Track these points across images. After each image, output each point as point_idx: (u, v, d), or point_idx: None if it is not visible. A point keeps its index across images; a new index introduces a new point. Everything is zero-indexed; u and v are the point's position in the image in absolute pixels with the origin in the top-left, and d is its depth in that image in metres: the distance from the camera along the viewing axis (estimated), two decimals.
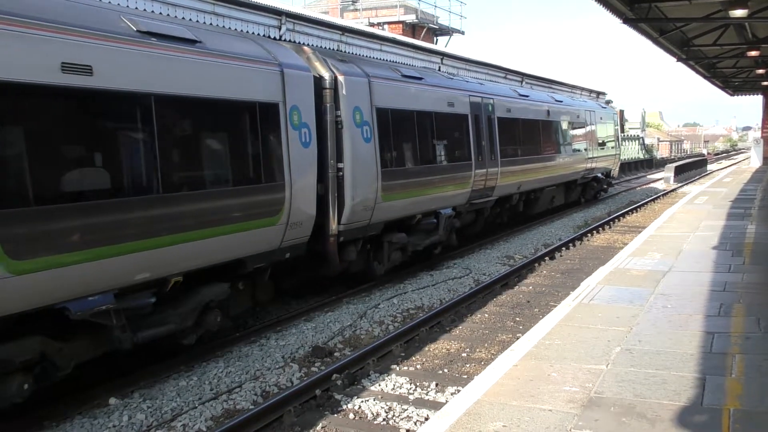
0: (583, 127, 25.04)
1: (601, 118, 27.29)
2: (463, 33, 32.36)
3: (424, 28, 30.40)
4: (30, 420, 7.04)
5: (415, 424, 6.83)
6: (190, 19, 13.39)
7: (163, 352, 8.68)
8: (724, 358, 6.44)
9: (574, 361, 6.44)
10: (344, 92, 11.22)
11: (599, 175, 27.20)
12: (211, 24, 13.83)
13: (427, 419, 6.70)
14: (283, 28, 16.21)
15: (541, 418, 5.18)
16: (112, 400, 7.50)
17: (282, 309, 11.37)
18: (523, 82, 29.98)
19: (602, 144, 27.05)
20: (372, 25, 27.23)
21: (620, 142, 32.39)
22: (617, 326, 7.58)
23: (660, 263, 11.19)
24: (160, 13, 12.70)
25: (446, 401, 6.92)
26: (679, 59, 25.35)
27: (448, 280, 13.23)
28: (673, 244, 12.99)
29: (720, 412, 5.24)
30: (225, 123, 9.02)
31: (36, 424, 6.99)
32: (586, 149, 24.98)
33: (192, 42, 8.40)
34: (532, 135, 19.97)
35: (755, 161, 43.36)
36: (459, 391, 6.75)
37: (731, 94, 46.02)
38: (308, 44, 16.66)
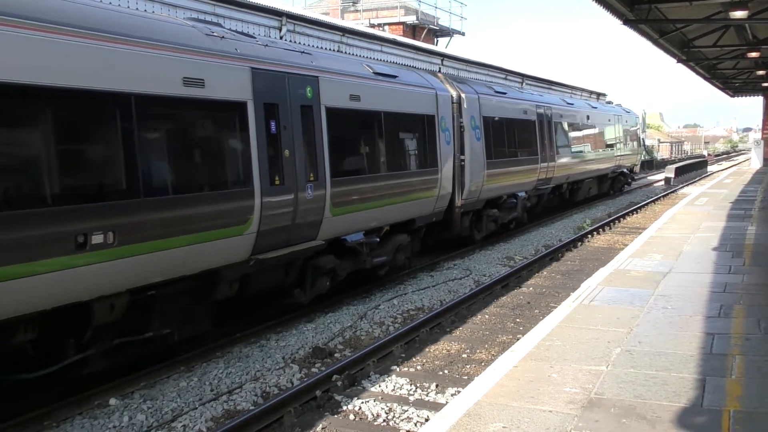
0: (613, 129, 29.39)
1: (626, 122, 31.86)
2: (463, 34, 32.38)
3: (425, 29, 30.39)
4: (30, 420, 7.04)
5: (416, 425, 6.83)
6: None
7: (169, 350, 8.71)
8: (724, 360, 6.45)
9: (575, 362, 6.44)
10: (465, 106, 15.80)
11: (625, 170, 31.63)
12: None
13: (427, 420, 6.69)
14: (284, 29, 16.24)
15: (541, 419, 5.18)
16: (113, 401, 7.50)
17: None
18: (524, 83, 30.08)
19: (627, 144, 31.71)
20: (372, 26, 27.23)
21: (641, 142, 37.01)
22: (617, 327, 7.59)
23: (660, 264, 11.19)
24: (161, 13, 12.71)
25: (446, 402, 6.92)
26: (680, 60, 25.34)
27: (449, 281, 13.24)
28: (673, 245, 13.00)
29: (720, 413, 5.24)
30: (411, 129, 13.49)
31: (36, 424, 6.99)
32: (615, 148, 29.44)
33: (394, 77, 13.11)
34: (577, 136, 24.57)
35: (755, 162, 43.38)
36: (459, 392, 6.75)
37: (732, 96, 46.02)
38: (309, 44, 16.79)
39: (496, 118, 17.50)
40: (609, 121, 28.84)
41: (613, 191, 31.09)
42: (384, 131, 12.28)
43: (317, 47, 16.94)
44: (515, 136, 18.72)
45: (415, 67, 19.68)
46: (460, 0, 43.12)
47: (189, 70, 8.09)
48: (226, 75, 8.70)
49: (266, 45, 10.07)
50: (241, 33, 10.41)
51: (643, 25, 18.29)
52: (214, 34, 9.02)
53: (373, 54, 19.86)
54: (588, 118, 25.78)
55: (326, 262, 10.85)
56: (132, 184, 7.38)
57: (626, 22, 17.21)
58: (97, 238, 6.88)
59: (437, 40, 31.84)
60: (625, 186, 32.85)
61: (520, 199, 18.75)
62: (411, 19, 29.55)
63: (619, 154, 29.90)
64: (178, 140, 8.26)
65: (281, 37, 16.07)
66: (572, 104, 24.99)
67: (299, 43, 16.46)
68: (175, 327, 8.28)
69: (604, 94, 44.06)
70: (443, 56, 24.31)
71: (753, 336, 7.18)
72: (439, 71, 22.37)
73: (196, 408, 7.29)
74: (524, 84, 30.17)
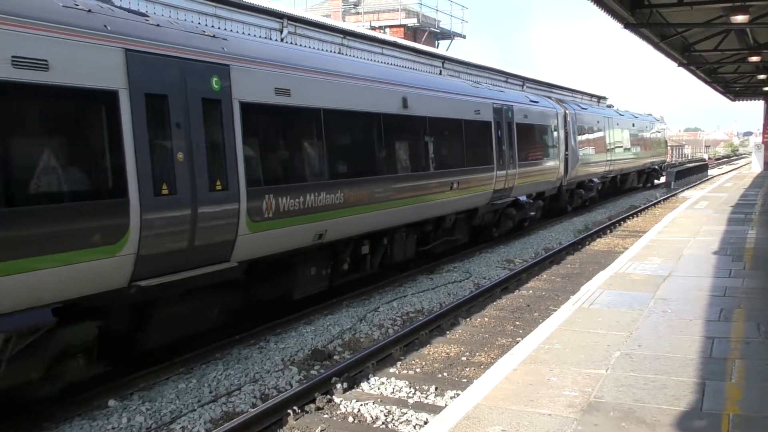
0: (648, 135, 37.12)
1: (656, 128, 40.19)
2: (464, 37, 32.39)
3: (426, 32, 30.40)
4: (29, 421, 7.03)
5: (415, 427, 6.82)
6: (192, 21, 13.40)
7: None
8: (724, 363, 6.44)
9: (574, 366, 6.43)
10: (567, 119, 23.37)
11: (656, 167, 39.86)
12: (212, 26, 13.84)
13: (426, 423, 6.68)
14: (285, 31, 16.24)
15: (540, 422, 5.17)
16: (112, 402, 7.49)
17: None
18: (524, 86, 30.10)
19: (657, 146, 39.85)
20: (374, 28, 27.25)
21: (667, 145, 47.29)
22: (617, 331, 7.58)
23: (660, 268, 11.19)
24: (162, 14, 12.70)
25: (446, 405, 6.92)
26: (681, 64, 25.33)
27: (448, 284, 13.22)
28: (673, 249, 12.99)
29: (720, 417, 5.23)
30: (546, 134, 20.84)
31: (36, 425, 6.98)
32: (650, 149, 37.36)
33: (537, 102, 20.79)
34: (626, 140, 32.19)
35: (756, 166, 43.33)
36: (458, 395, 6.74)
37: (732, 100, 45.94)
38: (312, 46, 16.83)
39: (584, 126, 25.19)
40: (646, 127, 36.91)
41: (648, 183, 39.14)
42: (536, 136, 19.83)
43: (319, 49, 17.03)
44: (593, 138, 26.65)
45: (418, 70, 23.00)
46: (461, 3, 43.14)
47: (475, 108, 15.75)
48: (484, 108, 16.34)
49: (489, 88, 18.48)
50: (472, 82, 18.49)
51: (644, 29, 18.27)
52: (475, 86, 17.36)
53: (374, 56, 19.87)
54: (633, 125, 33.84)
55: (510, 211, 18.15)
56: (463, 160, 14.87)
57: (627, 25, 17.20)
58: (454, 185, 14.30)
59: (438, 43, 31.85)
60: (655, 180, 40.42)
61: (595, 183, 26.91)
62: (412, 21, 29.56)
63: (652, 153, 37.96)
64: (475, 140, 15.67)
65: (282, 39, 16.08)
66: (623, 115, 33.38)
67: (300, 44, 16.54)
68: (459, 236, 15.77)
69: (604, 98, 44.07)
70: (444, 59, 24.34)
71: (753, 340, 7.17)
72: (440, 73, 22.44)
73: (195, 410, 7.28)
74: (525, 87, 30.25)
